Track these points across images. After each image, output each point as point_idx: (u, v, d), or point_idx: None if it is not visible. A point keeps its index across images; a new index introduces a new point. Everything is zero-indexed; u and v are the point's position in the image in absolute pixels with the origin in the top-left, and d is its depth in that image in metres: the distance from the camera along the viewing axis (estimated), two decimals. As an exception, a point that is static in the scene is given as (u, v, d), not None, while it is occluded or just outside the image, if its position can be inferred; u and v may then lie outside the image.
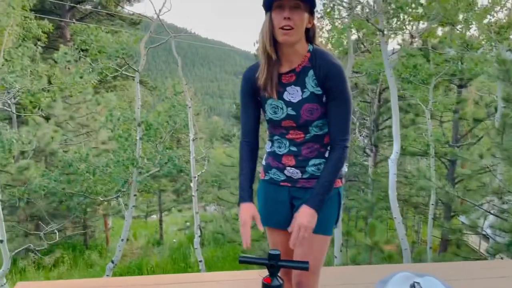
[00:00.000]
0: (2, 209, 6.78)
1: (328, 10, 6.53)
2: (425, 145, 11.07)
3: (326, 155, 1.90)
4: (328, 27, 7.99)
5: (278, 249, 1.97)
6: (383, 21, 5.87)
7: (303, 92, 1.80)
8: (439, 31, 9.55)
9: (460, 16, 8.47)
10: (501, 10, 9.15)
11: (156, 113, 6.80)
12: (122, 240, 6.72)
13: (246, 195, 1.88)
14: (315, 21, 1.88)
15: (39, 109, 7.19)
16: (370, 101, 14.30)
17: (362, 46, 11.18)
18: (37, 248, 7.08)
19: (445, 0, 6.05)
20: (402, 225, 6.25)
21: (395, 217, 6.06)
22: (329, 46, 8.35)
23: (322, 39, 8.29)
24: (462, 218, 9.74)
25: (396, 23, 6.34)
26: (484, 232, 7.74)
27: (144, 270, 10.81)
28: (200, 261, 6.50)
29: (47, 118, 11.71)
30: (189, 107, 6.36)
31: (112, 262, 6.63)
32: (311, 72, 1.80)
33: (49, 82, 6.97)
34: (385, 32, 5.87)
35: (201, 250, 8.12)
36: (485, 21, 8.91)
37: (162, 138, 7.10)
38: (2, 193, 8.02)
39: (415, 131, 12.52)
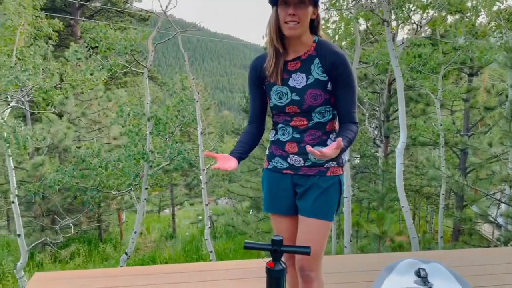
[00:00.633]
0: (19, 204, 6.99)
1: (333, 1, 6.54)
2: (436, 135, 11.02)
3: (328, 143, 1.97)
4: (335, 18, 7.99)
5: (282, 235, 2.05)
6: (388, 11, 5.87)
7: (308, 78, 1.89)
8: (449, 19, 9.48)
9: (469, 4, 8.38)
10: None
11: (165, 108, 6.92)
12: (135, 232, 6.87)
13: (234, 151, 1.96)
14: (320, 12, 1.97)
15: (52, 106, 7.33)
16: (379, 91, 14.22)
17: (370, 36, 11.12)
18: (53, 242, 7.27)
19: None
20: (410, 214, 6.28)
21: (402, 206, 6.09)
22: (336, 37, 8.34)
23: (329, 30, 8.28)
24: (475, 208, 9.70)
25: (401, 13, 6.32)
26: (496, 221, 7.72)
27: (158, 262, 11.02)
28: (211, 251, 6.62)
29: (60, 115, 11.93)
30: (197, 101, 6.45)
31: (126, 254, 6.80)
32: (316, 60, 1.89)
33: (61, 80, 7.11)
34: (390, 22, 5.86)
35: (213, 242, 8.24)
36: (495, 8, 8.81)
37: (172, 133, 7.21)
38: (18, 189, 8.23)
39: (426, 121, 12.46)
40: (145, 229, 15.88)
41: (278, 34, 1.87)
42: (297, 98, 1.91)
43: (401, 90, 5.99)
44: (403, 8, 6.29)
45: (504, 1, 8.89)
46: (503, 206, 8.05)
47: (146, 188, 6.69)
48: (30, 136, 5.92)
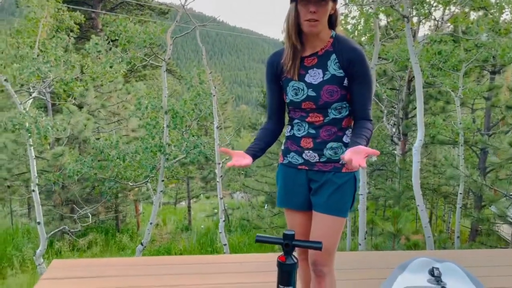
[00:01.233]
0: (39, 193, 7.17)
1: (352, -4, 6.47)
2: (455, 134, 10.83)
3: (344, 139, 1.98)
4: (354, 13, 7.90)
5: (295, 230, 2.07)
6: (408, 7, 5.79)
7: (324, 74, 1.90)
8: (472, 16, 9.27)
9: (493, 0, 8.18)
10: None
11: (182, 101, 6.99)
12: (151, 223, 6.99)
13: (250, 149, 1.97)
14: (338, 7, 1.97)
15: (72, 98, 7.49)
16: (398, 88, 14.04)
17: (391, 32, 10.98)
18: (71, 230, 7.45)
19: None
20: (426, 212, 6.22)
21: (418, 205, 6.03)
22: (356, 33, 8.26)
23: (348, 26, 8.20)
24: (493, 208, 9.54)
25: (422, 8, 6.22)
26: (513, 222, 7.58)
27: (173, 253, 11.16)
28: (225, 244, 6.69)
29: (80, 107, 12.15)
30: (214, 96, 6.50)
31: (142, 244, 6.92)
32: (333, 56, 1.89)
33: (81, 72, 7.24)
34: (411, 18, 5.78)
35: (227, 236, 8.29)
36: (520, 4, 8.57)
37: (188, 126, 7.29)
38: (39, 178, 8.44)
39: (445, 119, 12.26)
40: (161, 221, 16.09)
41: (297, 30, 1.86)
42: (313, 94, 1.91)
43: (420, 88, 5.91)
44: (424, 4, 6.19)
45: (530, -3, 8.66)
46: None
47: (163, 180, 6.79)
48: (51, 126, 6.06)
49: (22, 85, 6.40)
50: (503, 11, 8.35)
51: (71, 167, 7.39)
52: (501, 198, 7.86)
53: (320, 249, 1.74)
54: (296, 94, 1.96)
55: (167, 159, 6.84)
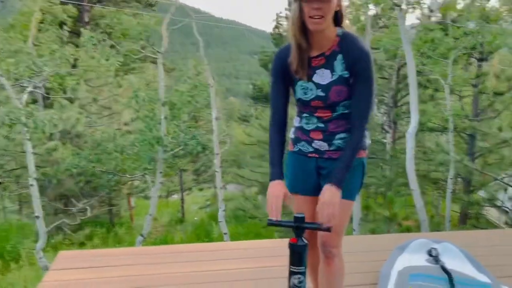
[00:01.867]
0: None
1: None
2: (444, 121, 11.03)
3: (367, 121, 2.02)
4: (345, 3, 7.99)
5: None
6: (401, -5, 5.89)
7: (332, 75, 1.90)
8: (460, 4, 9.43)
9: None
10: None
11: (179, 93, 7.01)
12: (150, 215, 7.06)
13: (277, 172, 1.97)
14: (344, 3, 1.95)
15: (64, 92, 7.45)
16: (388, 77, 14.21)
17: (380, 21, 11.10)
18: (70, 223, 7.47)
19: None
20: (420, 196, 6.39)
21: (413, 189, 6.19)
22: (347, 21, 8.34)
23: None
24: (482, 193, 9.79)
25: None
26: (502, 205, 7.82)
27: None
28: (225, 233, 6.79)
29: (71, 101, 12.05)
30: (211, 87, 6.54)
31: (142, 235, 6.99)
32: (340, 56, 1.88)
33: (73, 66, 7.20)
34: (403, 7, 5.89)
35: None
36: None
37: (187, 118, 7.32)
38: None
39: (435, 107, 12.45)
40: (155, 214, 16.11)
41: (301, 29, 1.83)
42: (322, 94, 1.94)
43: (413, 74, 6.04)
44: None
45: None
46: (510, 190, 8.15)
47: (161, 172, 6.85)
48: (48, 120, 6.05)
49: (17, 80, 6.35)
50: (490, -1, 8.52)
51: (69, 160, 7.38)
52: (491, 182, 8.09)
53: (329, 231, 1.84)
54: (305, 94, 1.98)
55: (165, 150, 6.89)
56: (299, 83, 1.99)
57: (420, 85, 13.47)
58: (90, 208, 10.46)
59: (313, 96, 1.97)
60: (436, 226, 8.08)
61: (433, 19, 10.06)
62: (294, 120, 2.19)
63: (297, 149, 2.17)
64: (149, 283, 2.94)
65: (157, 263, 3.26)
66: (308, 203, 2.18)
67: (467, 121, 11.20)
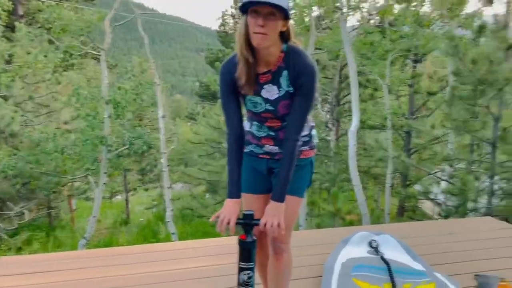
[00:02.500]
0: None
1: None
2: (383, 119, 11.61)
3: (301, 133, 2.10)
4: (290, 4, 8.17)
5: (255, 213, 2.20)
6: (342, -1, 6.15)
7: (279, 90, 1.95)
8: (396, 8, 9.97)
9: (415, -6, 8.88)
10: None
11: (123, 91, 6.82)
12: (94, 216, 6.82)
13: (235, 190, 2.01)
14: (291, 24, 1.94)
15: (-1, 89, 7.00)
16: (331, 77, 14.68)
17: (323, 23, 11.45)
18: (6, 228, 7.04)
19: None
20: (362, 191, 6.71)
21: (355, 185, 6.48)
22: (291, 22, 8.55)
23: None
24: (418, 187, 10.42)
25: (354, 1, 6.61)
26: (436, 197, 8.37)
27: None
28: (173, 233, 6.72)
29: (5, 99, 11.32)
30: (158, 85, 6.44)
31: (85, 238, 6.74)
32: (285, 72, 1.91)
33: (7, 62, 6.78)
34: (344, 10, 6.14)
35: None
36: (438, -2, 9.37)
37: (131, 116, 7.14)
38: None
39: (374, 105, 13.07)
40: (98, 216, 15.54)
41: (248, 44, 1.83)
42: (271, 108, 1.99)
43: (354, 74, 6.32)
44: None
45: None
46: (443, 183, 8.75)
47: (105, 172, 6.63)
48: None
49: None
50: (423, 4, 9.10)
51: (5, 161, 6.95)
52: (425, 177, 8.64)
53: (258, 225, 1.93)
54: (255, 107, 2.03)
55: (109, 150, 6.68)
56: (248, 97, 2.02)
57: (360, 84, 14.05)
58: (28, 211, 9.93)
59: (262, 109, 2.02)
60: (376, 219, 8.52)
61: (372, 21, 10.57)
62: (245, 124, 2.21)
63: (249, 150, 2.23)
64: (96, 286, 2.88)
65: (103, 265, 3.19)
66: (259, 201, 2.25)
67: (404, 119, 11.88)
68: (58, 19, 6.04)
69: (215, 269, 3.09)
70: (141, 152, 7.80)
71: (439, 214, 8.20)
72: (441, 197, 8.15)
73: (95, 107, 6.84)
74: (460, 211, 6.28)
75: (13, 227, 7.27)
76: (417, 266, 3.12)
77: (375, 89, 13.69)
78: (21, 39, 6.08)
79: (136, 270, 3.11)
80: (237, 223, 1.94)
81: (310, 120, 2.20)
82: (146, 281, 2.93)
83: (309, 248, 3.52)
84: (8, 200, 9.78)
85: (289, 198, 2.07)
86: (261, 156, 2.21)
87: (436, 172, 8.48)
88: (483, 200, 6.35)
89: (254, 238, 1.94)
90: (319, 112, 14.79)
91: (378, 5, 7.91)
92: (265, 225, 1.92)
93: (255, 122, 2.15)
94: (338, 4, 6.19)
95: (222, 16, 25.90)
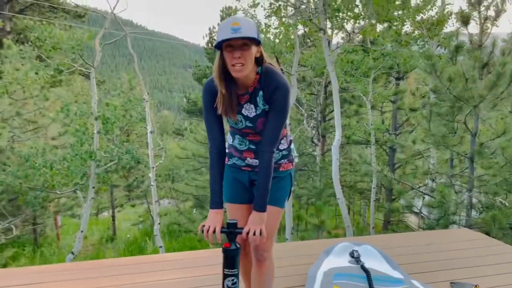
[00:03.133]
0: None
1: (275, 9, 6.97)
2: (367, 134, 11.87)
3: (280, 146, 2.28)
4: (276, 24, 8.44)
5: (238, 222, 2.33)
6: (324, 20, 6.40)
7: (256, 109, 2.12)
8: (378, 28, 10.32)
9: (396, 14, 9.22)
10: (431, 8, 10.01)
11: (112, 107, 6.93)
12: (82, 231, 6.84)
13: (218, 200, 2.15)
14: (262, 48, 2.09)
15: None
16: (316, 93, 14.98)
17: (308, 40, 11.76)
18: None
19: (377, 1, 6.69)
20: (345, 205, 6.87)
21: (338, 198, 6.64)
22: (277, 41, 8.82)
23: (270, 35, 8.73)
24: (402, 201, 10.63)
25: (335, 22, 6.88)
26: (419, 211, 8.57)
27: (101, 263, 10.79)
28: (161, 246, 6.77)
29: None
30: (146, 101, 6.58)
31: (72, 253, 6.74)
32: (260, 93, 2.06)
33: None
34: (326, 31, 6.40)
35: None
36: (418, 18, 9.74)
37: (119, 132, 7.23)
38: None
39: (358, 121, 13.36)
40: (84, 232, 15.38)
41: (223, 76, 1.99)
42: (250, 124, 2.17)
43: (336, 92, 6.54)
44: (338, 18, 6.85)
45: (426, 12, 9.88)
46: (426, 197, 8.96)
47: (93, 187, 6.68)
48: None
49: None
50: (404, 24, 9.45)
51: (-7, 177, 6.95)
52: (409, 191, 8.85)
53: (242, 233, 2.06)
54: (236, 124, 2.22)
55: (98, 165, 6.75)
56: None
57: (345, 101, 14.41)
58: (14, 227, 9.83)
59: (243, 126, 2.19)
60: (361, 232, 8.65)
61: (356, 40, 10.91)
62: (227, 137, 2.37)
63: (232, 162, 2.38)
64: (86, 296, 2.94)
65: (91, 277, 3.23)
66: (241, 210, 2.38)
67: (387, 135, 12.17)
68: (49, 38, 6.18)
69: (204, 279, 3.18)
70: (129, 167, 7.85)
71: (420, 227, 8.36)
72: (424, 211, 8.34)
73: (84, 123, 6.93)
74: (441, 224, 6.45)
75: (1, 243, 7.21)
76: (396, 274, 3.24)
77: (360, 105, 14.01)
78: (11, 57, 6.18)
79: (124, 281, 3.16)
80: (221, 232, 2.07)
81: (289, 135, 2.36)
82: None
83: (294, 259, 3.61)
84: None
85: (270, 208, 2.20)
86: (243, 168, 2.36)
87: (419, 186, 8.69)
88: (463, 213, 6.54)
89: (238, 245, 2.06)
90: (305, 128, 15.02)
91: (360, 24, 8.21)
92: (247, 233, 2.05)
93: (237, 136, 2.31)
94: (321, 25, 6.45)
95: (210, 33, 26.16)
